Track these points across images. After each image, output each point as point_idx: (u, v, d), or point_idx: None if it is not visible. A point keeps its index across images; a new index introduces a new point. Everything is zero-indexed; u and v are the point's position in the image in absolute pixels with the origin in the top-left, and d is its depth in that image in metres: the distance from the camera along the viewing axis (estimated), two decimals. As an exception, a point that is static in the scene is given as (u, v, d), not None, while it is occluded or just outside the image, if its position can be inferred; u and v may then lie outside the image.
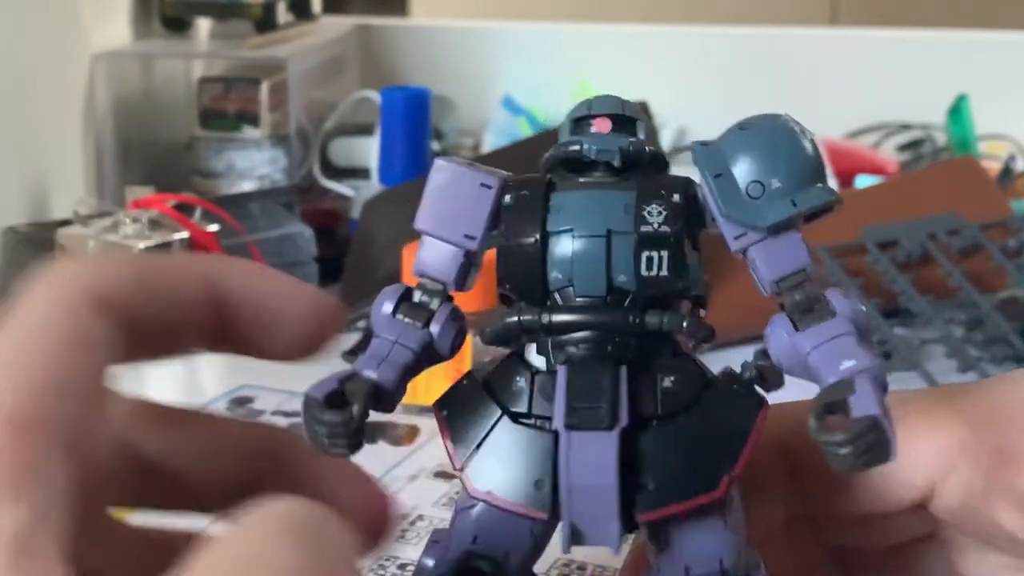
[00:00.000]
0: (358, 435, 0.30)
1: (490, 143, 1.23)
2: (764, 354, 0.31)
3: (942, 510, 0.33)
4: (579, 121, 0.32)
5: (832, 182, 1.01)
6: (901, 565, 0.36)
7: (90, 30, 1.10)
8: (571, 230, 0.31)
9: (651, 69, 1.31)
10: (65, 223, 0.91)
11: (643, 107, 1.05)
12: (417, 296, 0.32)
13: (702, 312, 0.32)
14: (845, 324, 0.30)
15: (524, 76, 1.31)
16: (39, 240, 0.93)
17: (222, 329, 0.31)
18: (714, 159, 0.31)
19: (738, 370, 0.32)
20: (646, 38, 1.34)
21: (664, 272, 0.31)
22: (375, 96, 1.16)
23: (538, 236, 0.31)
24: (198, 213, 0.92)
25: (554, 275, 0.31)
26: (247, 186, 1.11)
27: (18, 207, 0.98)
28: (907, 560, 0.36)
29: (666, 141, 1.22)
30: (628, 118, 0.32)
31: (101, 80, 1.10)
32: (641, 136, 0.32)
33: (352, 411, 0.30)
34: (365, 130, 1.17)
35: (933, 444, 0.33)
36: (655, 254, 0.31)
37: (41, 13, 1.03)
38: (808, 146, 0.31)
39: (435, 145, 1.20)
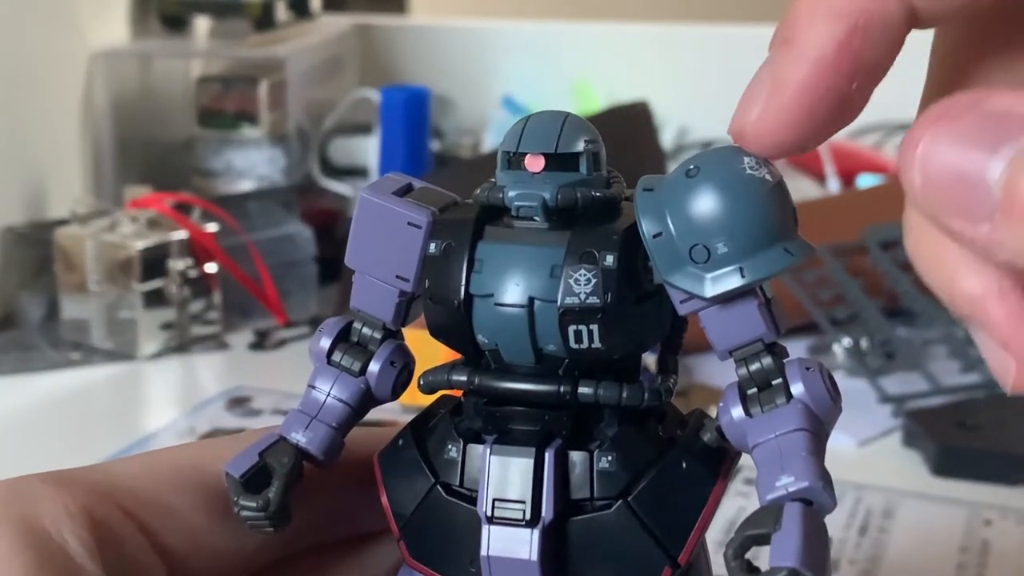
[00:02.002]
0: (281, 515, 0.28)
1: (490, 143, 1.23)
2: None
3: None
4: (512, 155, 0.28)
5: (834, 182, 0.99)
6: None
7: (88, 29, 1.10)
8: (491, 295, 0.27)
9: (651, 68, 1.30)
10: (63, 223, 0.91)
11: (643, 106, 1.05)
12: (356, 333, 0.30)
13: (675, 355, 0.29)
14: (798, 416, 0.26)
15: (524, 76, 1.30)
16: (37, 240, 0.93)
17: None
18: (655, 213, 0.27)
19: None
20: (646, 37, 1.34)
21: (596, 344, 0.27)
22: (374, 95, 1.16)
23: (460, 300, 0.28)
24: (196, 213, 0.92)
25: (480, 338, 0.28)
26: (246, 185, 1.11)
27: (16, 207, 0.98)
28: None
29: (667, 140, 1.21)
30: (566, 155, 0.28)
31: (99, 79, 1.10)
32: (583, 171, 0.28)
33: (268, 496, 0.28)
34: (364, 129, 1.16)
35: None
36: (583, 328, 0.27)
37: (39, 12, 1.02)
38: (766, 198, 0.26)
39: (435, 145, 1.20)
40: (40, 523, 0.27)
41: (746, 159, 0.27)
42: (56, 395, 0.81)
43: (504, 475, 0.28)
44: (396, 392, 0.30)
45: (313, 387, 0.30)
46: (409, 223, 0.29)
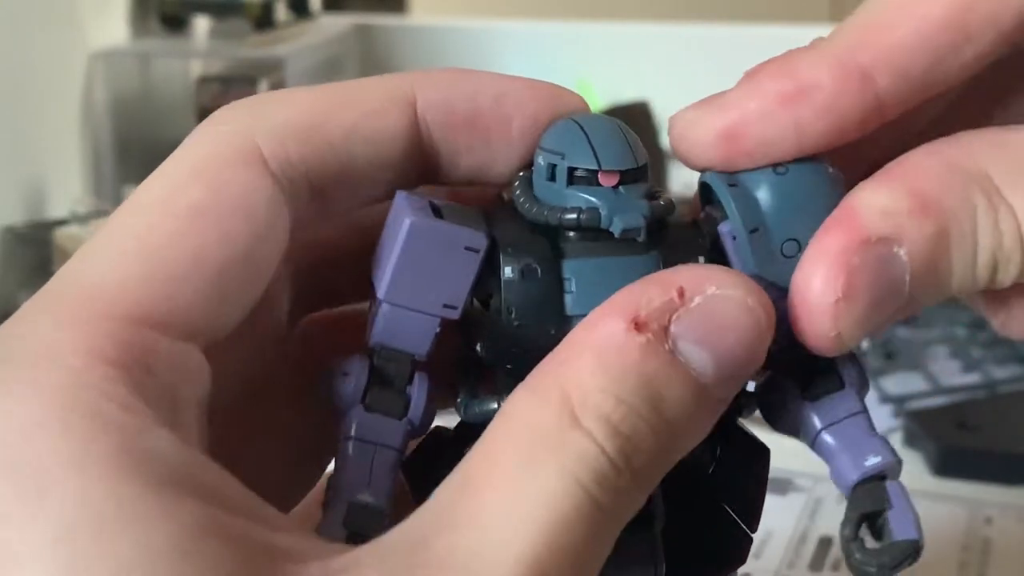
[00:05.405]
0: None
1: (490, 142, 1.23)
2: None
3: None
4: (575, 170, 0.27)
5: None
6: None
7: (88, 28, 1.10)
8: None
9: (651, 68, 1.30)
10: (63, 223, 0.91)
11: (643, 106, 1.05)
12: (382, 371, 0.27)
13: None
14: (855, 398, 0.28)
15: (524, 76, 1.30)
16: (36, 240, 0.93)
17: (424, 160, 0.28)
18: (749, 209, 0.27)
19: None
20: (646, 37, 1.34)
21: None
22: (374, 95, 1.16)
23: (559, 327, 0.26)
24: (196, 213, 0.92)
25: None
26: (246, 185, 1.11)
27: (15, 207, 0.98)
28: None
29: (667, 141, 1.21)
30: (641, 168, 0.27)
31: (99, 79, 1.10)
32: (650, 179, 0.28)
33: None
34: (364, 129, 1.16)
35: None
36: None
37: (39, 11, 1.02)
38: (843, 193, 0.27)
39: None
40: None
41: (824, 163, 0.27)
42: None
43: None
44: (428, 427, 0.28)
45: (359, 439, 0.27)
46: (467, 247, 0.27)
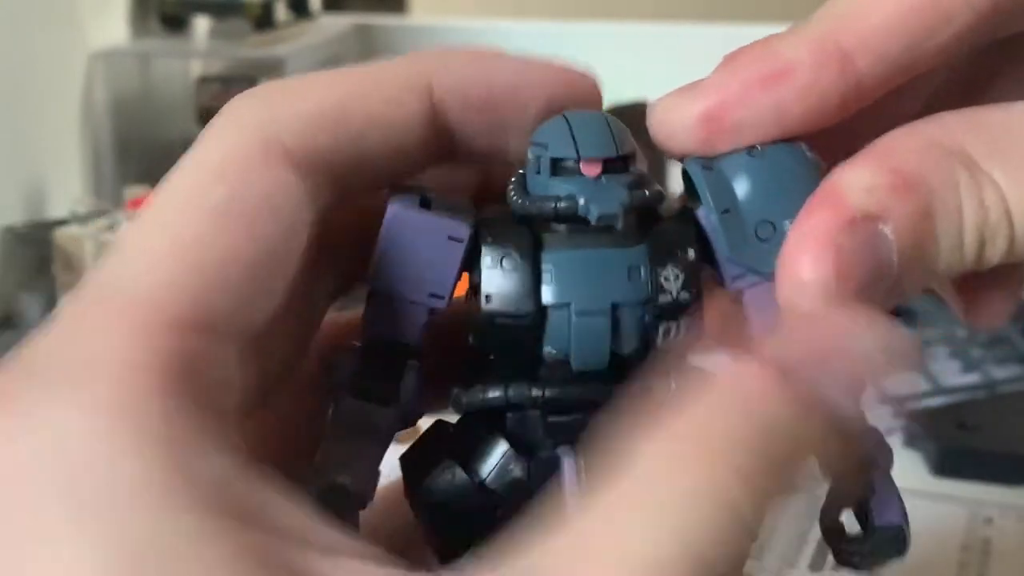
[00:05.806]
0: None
1: (490, 142, 1.23)
2: None
3: None
4: (561, 161, 0.27)
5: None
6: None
7: (88, 28, 1.10)
8: (568, 305, 0.27)
9: (651, 68, 1.30)
10: (63, 223, 0.91)
11: (643, 106, 1.05)
12: (373, 362, 0.28)
13: None
14: None
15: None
16: (36, 240, 0.93)
17: (440, 142, 0.28)
18: (721, 191, 0.27)
19: None
20: (646, 37, 1.34)
21: (678, 338, 0.27)
22: (374, 95, 1.15)
23: (532, 313, 0.26)
24: (196, 213, 0.91)
25: (548, 349, 0.27)
26: (246, 185, 1.11)
27: (15, 206, 0.98)
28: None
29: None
30: (623, 157, 0.27)
31: (99, 79, 1.10)
32: (637, 167, 0.28)
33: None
34: (364, 129, 1.16)
35: None
36: (674, 324, 0.27)
37: (38, 11, 1.02)
38: (821, 179, 0.27)
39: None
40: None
41: (801, 147, 0.27)
42: (56, 395, 0.81)
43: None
44: (416, 419, 0.29)
45: (346, 424, 0.27)
46: (450, 237, 0.27)
